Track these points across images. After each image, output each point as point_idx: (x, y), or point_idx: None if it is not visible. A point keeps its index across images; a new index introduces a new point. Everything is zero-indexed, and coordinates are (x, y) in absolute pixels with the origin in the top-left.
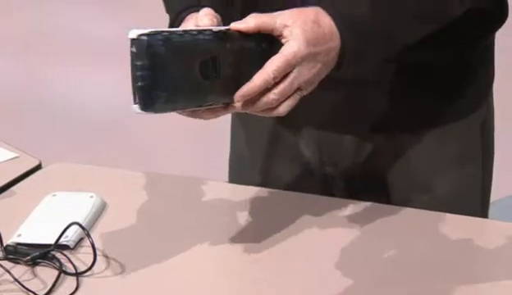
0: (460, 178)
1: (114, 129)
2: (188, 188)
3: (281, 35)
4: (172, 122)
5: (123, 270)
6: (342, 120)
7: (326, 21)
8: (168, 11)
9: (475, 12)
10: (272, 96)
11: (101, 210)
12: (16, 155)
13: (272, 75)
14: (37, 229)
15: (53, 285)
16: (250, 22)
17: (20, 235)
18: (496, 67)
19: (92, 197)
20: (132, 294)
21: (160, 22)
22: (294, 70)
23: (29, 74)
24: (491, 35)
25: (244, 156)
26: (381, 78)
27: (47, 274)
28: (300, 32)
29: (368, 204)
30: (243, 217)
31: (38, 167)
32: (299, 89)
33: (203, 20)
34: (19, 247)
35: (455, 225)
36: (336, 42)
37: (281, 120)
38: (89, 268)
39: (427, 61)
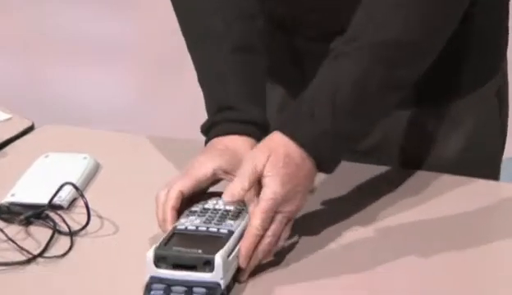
0: (479, 145)
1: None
2: (184, 150)
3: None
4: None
5: (117, 230)
6: None
7: (296, 150)
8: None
9: None
10: (267, 242)
11: (94, 171)
12: (9, 116)
13: (259, 229)
14: (30, 189)
15: (47, 244)
16: (238, 192)
17: (13, 195)
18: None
19: (85, 158)
20: (126, 254)
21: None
22: (279, 211)
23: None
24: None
25: None
26: None
27: (40, 233)
28: (274, 177)
29: (382, 168)
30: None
31: (30, 128)
32: (288, 220)
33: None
34: (12, 206)
35: (468, 188)
36: (308, 165)
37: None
38: (83, 227)
39: None
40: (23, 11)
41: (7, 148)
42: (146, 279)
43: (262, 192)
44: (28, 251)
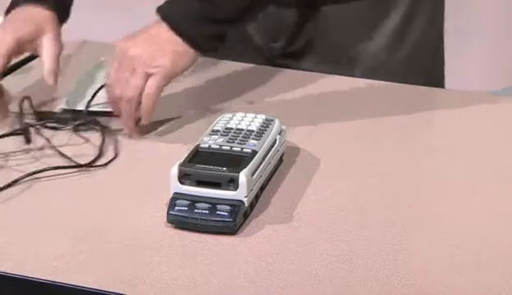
0: (417, 42)
1: None
2: (218, 70)
3: None
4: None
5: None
6: None
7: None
8: None
9: None
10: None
11: None
12: None
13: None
14: (80, 97)
15: (99, 153)
16: None
17: (66, 102)
18: None
19: None
20: (159, 169)
21: None
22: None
23: None
24: None
25: None
26: None
27: (90, 139)
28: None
29: (321, 75)
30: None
31: None
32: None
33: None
34: (63, 113)
35: (411, 95)
36: (167, 33)
37: None
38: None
39: None
40: None
41: (34, 62)
42: (170, 194)
43: None
44: (70, 159)
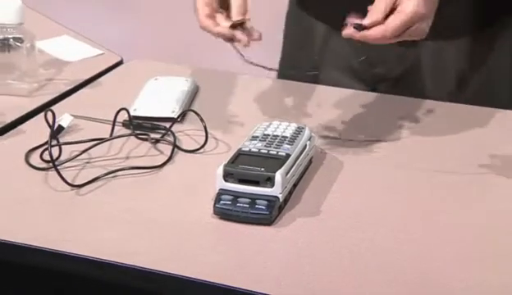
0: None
1: None
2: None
3: None
4: None
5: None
6: None
7: None
8: None
9: None
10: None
11: (195, 91)
12: (101, 52)
13: (389, 34)
14: (148, 105)
15: (170, 156)
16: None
17: (135, 110)
18: None
19: (187, 80)
20: (209, 169)
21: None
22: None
23: None
24: None
25: (296, 58)
26: None
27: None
28: None
29: (415, 100)
30: (292, 111)
31: (120, 63)
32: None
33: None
34: (137, 119)
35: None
36: None
37: (331, 24)
38: (202, 146)
39: None
40: None
41: (101, 79)
42: (216, 190)
43: (403, 5)
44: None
